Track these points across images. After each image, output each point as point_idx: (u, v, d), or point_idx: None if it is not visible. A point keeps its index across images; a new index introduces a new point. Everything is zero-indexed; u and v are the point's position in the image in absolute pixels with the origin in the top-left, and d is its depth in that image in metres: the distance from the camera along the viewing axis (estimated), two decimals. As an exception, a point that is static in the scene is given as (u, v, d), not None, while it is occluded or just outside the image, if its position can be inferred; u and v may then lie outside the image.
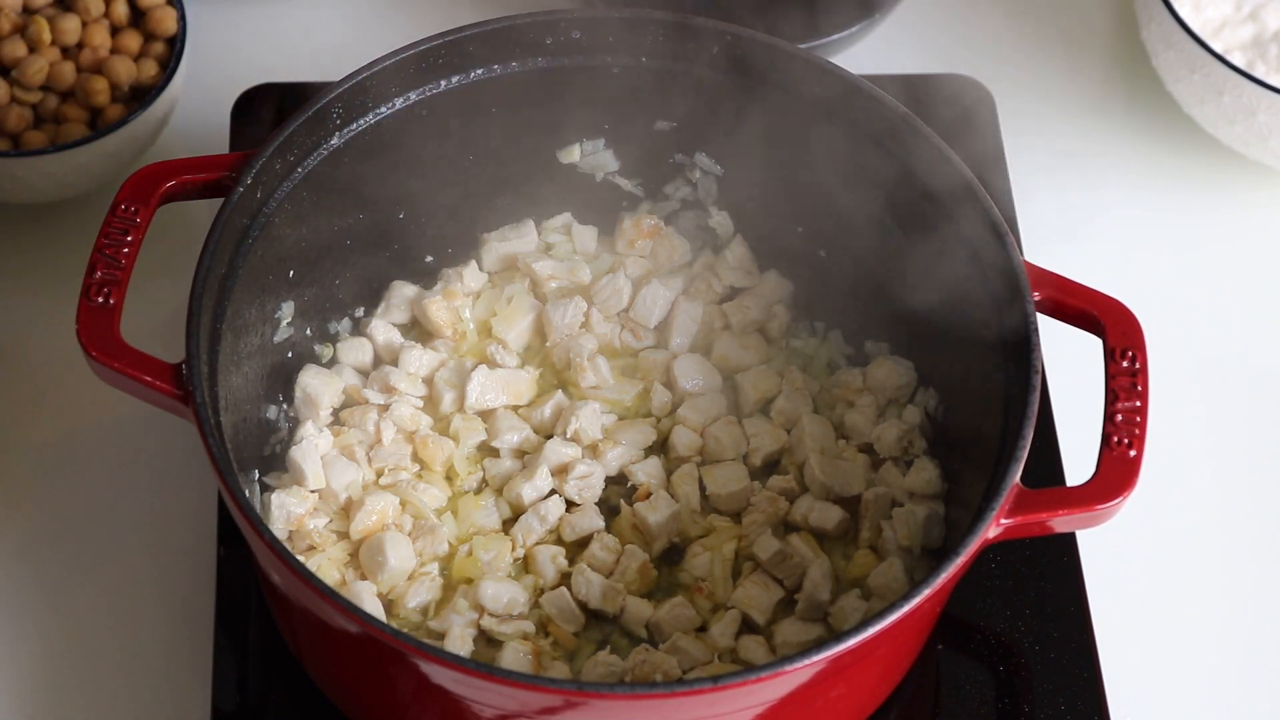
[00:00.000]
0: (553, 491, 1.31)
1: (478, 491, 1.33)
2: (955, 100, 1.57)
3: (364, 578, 1.26)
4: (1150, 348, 1.21)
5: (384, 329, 1.38)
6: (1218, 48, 1.52)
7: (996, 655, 1.31)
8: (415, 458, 1.33)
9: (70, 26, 1.46)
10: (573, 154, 1.41)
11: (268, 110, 1.51)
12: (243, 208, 1.24)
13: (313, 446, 1.30)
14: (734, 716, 1.12)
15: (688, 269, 1.43)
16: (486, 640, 1.25)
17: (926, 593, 1.09)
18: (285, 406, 1.33)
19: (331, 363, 1.37)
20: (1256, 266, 1.55)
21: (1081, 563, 1.33)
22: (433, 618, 1.25)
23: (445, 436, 1.33)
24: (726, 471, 1.33)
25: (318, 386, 1.33)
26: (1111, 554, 1.36)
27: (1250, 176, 1.58)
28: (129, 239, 1.21)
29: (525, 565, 1.29)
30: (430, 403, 1.36)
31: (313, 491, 1.28)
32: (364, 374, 1.37)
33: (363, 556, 1.27)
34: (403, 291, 1.39)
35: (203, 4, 1.59)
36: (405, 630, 1.24)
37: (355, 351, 1.37)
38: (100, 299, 1.19)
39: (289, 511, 1.26)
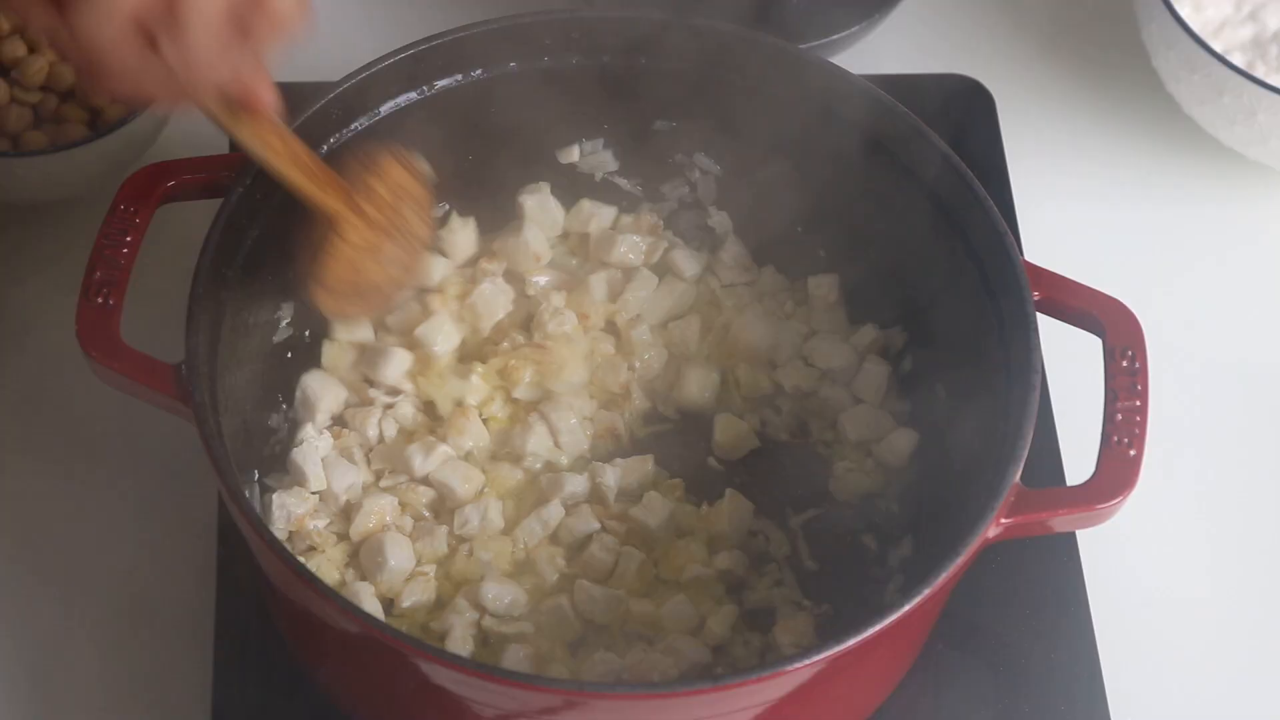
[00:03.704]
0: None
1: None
2: (955, 100, 1.57)
3: (364, 578, 1.26)
4: (1150, 348, 1.21)
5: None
6: (1218, 48, 1.52)
7: (996, 655, 1.31)
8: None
9: (70, 27, 1.46)
10: (572, 154, 1.41)
11: (268, 110, 1.51)
12: (243, 208, 1.24)
13: (313, 448, 1.30)
14: (734, 716, 1.12)
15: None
16: (486, 640, 1.25)
17: (926, 593, 1.09)
18: (285, 407, 1.33)
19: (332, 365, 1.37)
20: (1256, 266, 1.55)
21: (1081, 563, 1.33)
22: (433, 618, 1.26)
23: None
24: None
25: (318, 390, 1.32)
26: (1111, 554, 1.36)
27: (1250, 176, 1.58)
28: (129, 239, 1.21)
29: (525, 566, 1.29)
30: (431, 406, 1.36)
31: (313, 493, 1.28)
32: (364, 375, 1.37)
33: (363, 557, 1.27)
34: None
35: (203, 4, 1.58)
36: (405, 630, 1.24)
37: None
38: (100, 299, 1.19)
39: (289, 512, 1.27)
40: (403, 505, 1.30)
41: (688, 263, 1.40)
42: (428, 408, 1.35)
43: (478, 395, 1.34)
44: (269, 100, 1.16)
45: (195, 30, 1.04)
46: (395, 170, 1.26)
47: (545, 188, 1.41)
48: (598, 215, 1.41)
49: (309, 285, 1.24)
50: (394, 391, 1.34)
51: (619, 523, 1.30)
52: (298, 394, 1.32)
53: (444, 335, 1.35)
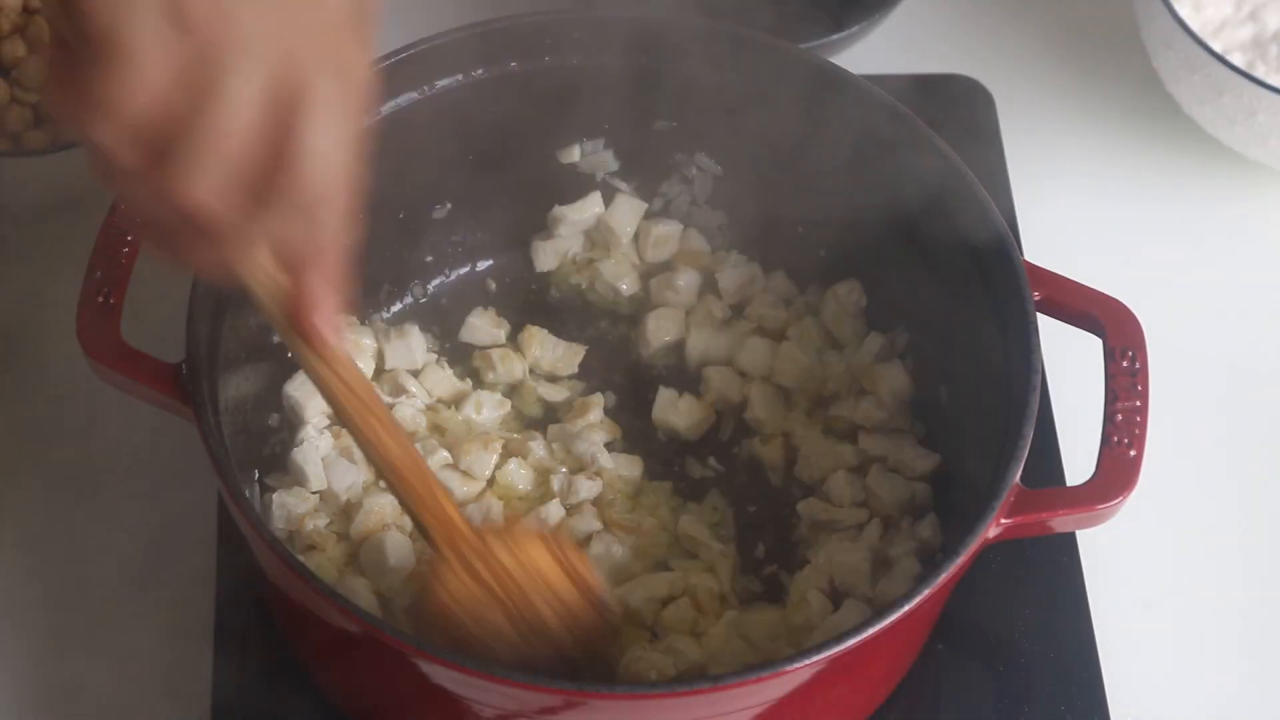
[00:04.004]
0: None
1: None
2: (955, 100, 1.57)
3: (364, 577, 1.26)
4: (1150, 348, 1.21)
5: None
6: (1218, 48, 1.52)
7: (996, 655, 1.31)
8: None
9: (70, 27, 1.46)
10: (573, 154, 1.41)
11: (268, 110, 1.50)
12: (243, 208, 1.24)
13: (313, 448, 1.29)
14: (734, 716, 1.12)
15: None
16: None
17: (926, 593, 1.09)
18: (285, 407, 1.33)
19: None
20: (1256, 266, 1.55)
21: (1081, 563, 1.33)
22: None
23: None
24: None
25: (300, 398, 1.32)
26: (1111, 554, 1.36)
27: (1250, 177, 1.58)
28: (129, 239, 1.21)
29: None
30: (432, 410, 1.36)
31: (314, 493, 1.28)
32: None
33: (364, 556, 1.27)
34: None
35: (203, 4, 1.58)
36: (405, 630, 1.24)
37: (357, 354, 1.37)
38: (100, 299, 1.19)
39: (289, 512, 1.26)
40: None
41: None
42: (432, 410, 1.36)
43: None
44: (323, 328, 0.99)
45: (202, 155, 0.86)
46: (540, 554, 1.11)
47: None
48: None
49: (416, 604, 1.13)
50: (399, 391, 1.34)
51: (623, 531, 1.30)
52: (284, 403, 1.32)
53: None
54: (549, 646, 1.12)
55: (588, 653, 1.14)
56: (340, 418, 1.07)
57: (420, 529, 1.10)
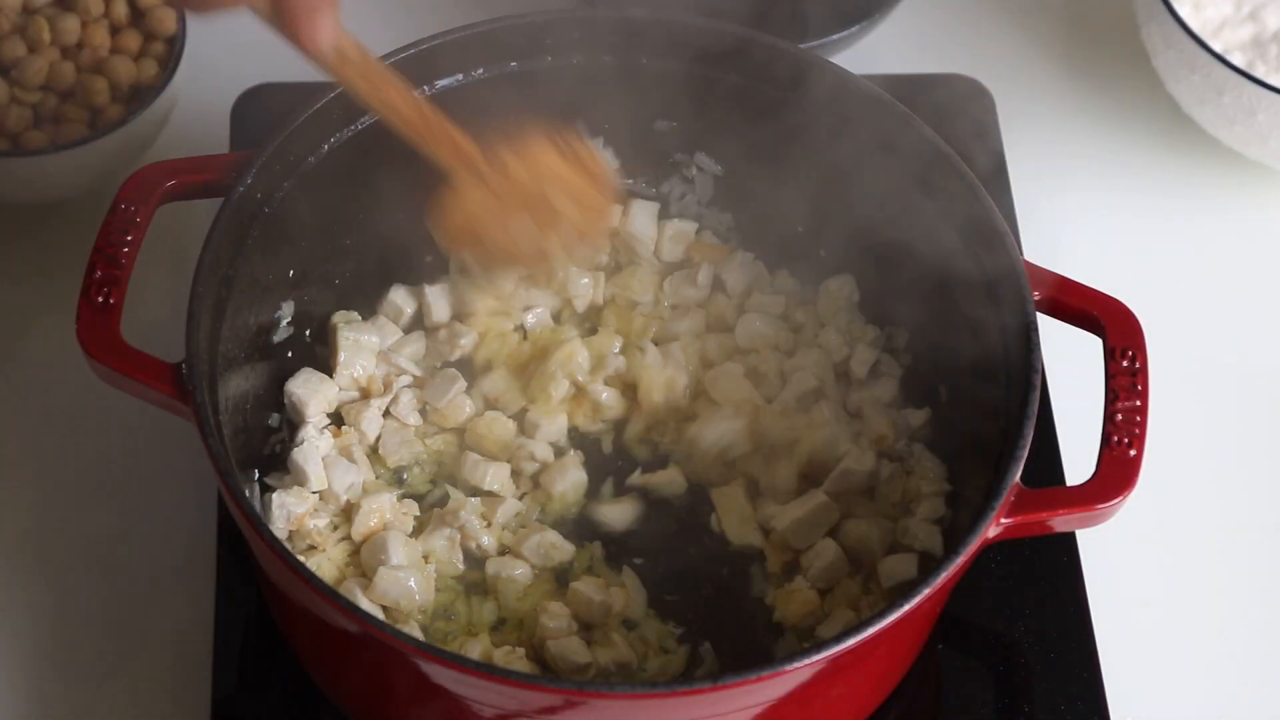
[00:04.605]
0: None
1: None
2: (955, 100, 1.57)
3: (364, 576, 1.26)
4: (1150, 348, 1.21)
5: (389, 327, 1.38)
6: (1217, 48, 1.52)
7: (996, 655, 1.31)
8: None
9: (70, 26, 1.46)
10: (573, 154, 1.41)
11: (268, 110, 1.51)
12: (243, 208, 1.24)
13: (314, 448, 1.30)
14: (733, 716, 1.12)
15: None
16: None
17: (926, 592, 1.09)
18: (285, 407, 1.33)
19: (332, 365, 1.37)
20: (1256, 266, 1.55)
21: (1081, 563, 1.33)
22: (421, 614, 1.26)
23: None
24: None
25: (303, 395, 1.32)
26: (1111, 554, 1.36)
27: (1250, 177, 1.58)
28: (129, 239, 1.21)
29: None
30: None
31: (314, 493, 1.28)
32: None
33: (364, 556, 1.27)
34: (400, 293, 1.39)
35: (203, 4, 1.58)
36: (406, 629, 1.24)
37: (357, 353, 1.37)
38: (100, 299, 1.19)
39: (289, 511, 1.26)
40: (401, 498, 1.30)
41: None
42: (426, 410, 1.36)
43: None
44: (319, 32, 1.11)
45: None
46: (547, 155, 1.24)
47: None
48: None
49: (429, 214, 1.23)
50: (398, 372, 1.35)
51: None
52: (285, 401, 1.32)
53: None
54: (566, 229, 1.25)
55: (598, 225, 1.29)
56: (355, 96, 1.20)
57: (436, 160, 1.22)
